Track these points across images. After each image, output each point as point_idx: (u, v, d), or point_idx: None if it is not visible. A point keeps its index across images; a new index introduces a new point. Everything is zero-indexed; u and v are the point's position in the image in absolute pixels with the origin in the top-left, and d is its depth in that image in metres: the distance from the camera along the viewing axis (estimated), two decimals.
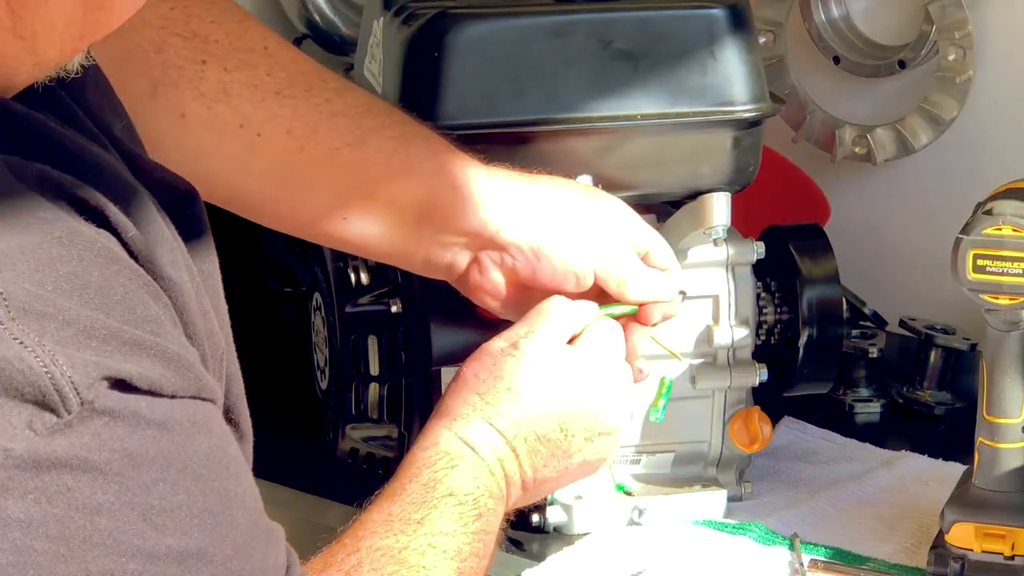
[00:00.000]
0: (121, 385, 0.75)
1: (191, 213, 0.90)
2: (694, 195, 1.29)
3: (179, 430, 0.78)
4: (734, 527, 1.30)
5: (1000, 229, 1.15)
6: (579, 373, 1.12)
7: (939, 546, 1.21)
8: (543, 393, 1.10)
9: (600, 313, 1.16)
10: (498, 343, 1.12)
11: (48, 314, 0.73)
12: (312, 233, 1.21)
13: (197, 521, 0.78)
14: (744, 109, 1.27)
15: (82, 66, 0.83)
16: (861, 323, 1.64)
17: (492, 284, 1.18)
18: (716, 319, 1.31)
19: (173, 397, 0.78)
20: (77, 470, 0.73)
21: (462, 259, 1.18)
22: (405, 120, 1.18)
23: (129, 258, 0.79)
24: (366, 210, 1.17)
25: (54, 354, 0.73)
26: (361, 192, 1.17)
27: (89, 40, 0.81)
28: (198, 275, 0.88)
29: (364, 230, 1.17)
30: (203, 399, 0.80)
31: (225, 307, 0.93)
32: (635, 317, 1.19)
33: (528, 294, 1.18)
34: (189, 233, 0.89)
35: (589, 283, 1.18)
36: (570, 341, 1.14)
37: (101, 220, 0.78)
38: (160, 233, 0.83)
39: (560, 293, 1.17)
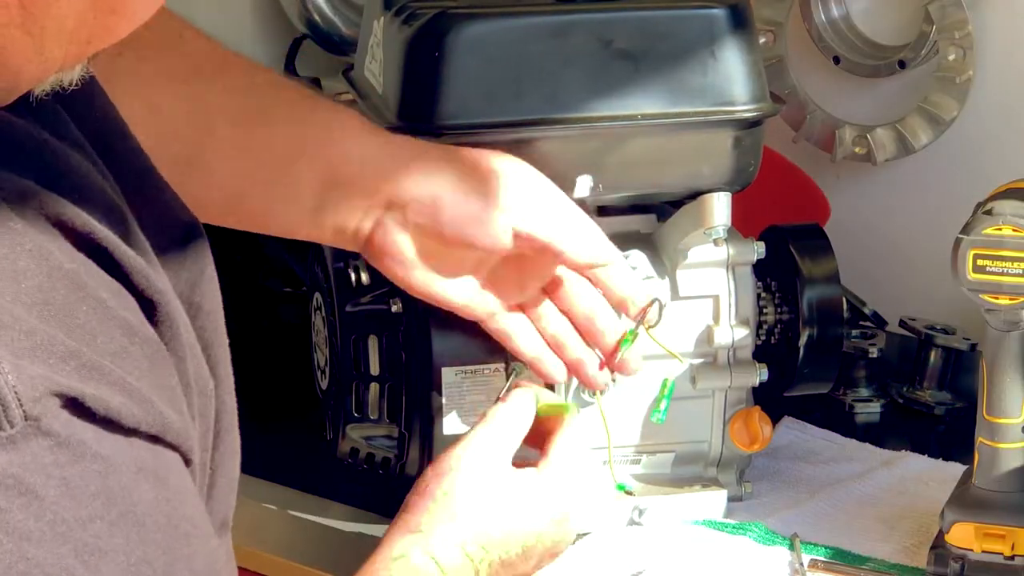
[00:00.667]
0: (73, 406, 0.72)
1: (192, 246, 0.89)
2: (694, 195, 1.29)
3: (126, 472, 0.74)
4: (734, 527, 1.30)
5: (1000, 229, 1.15)
6: (545, 501, 1.09)
7: (939, 546, 1.21)
8: (511, 521, 1.08)
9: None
10: (466, 460, 1.09)
11: (3, 323, 0.70)
12: (221, 218, 1.20)
13: (134, 570, 0.73)
14: (744, 109, 1.27)
15: (82, 79, 0.83)
16: (861, 323, 1.64)
17: (395, 246, 1.16)
18: (716, 319, 1.31)
19: (132, 431, 0.75)
20: (11, 491, 0.69)
21: (366, 224, 1.16)
22: (310, 95, 1.19)
23: (98, 289, 0.76)
24: (273, 185, 1.17)
25: (1, 362, 0.69)
26: (267, 168, 1.17)
27: (96, 46, 0.80)
28: (188, 307, 0.86)
29: (272, 206, 1.18)
30: (166, 444, 0.77)
31: (225, 342, 0.91)
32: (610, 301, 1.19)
33: (442, 258, 1.17)
34: (191, 266, 0.88)
35: (507, 239, 1.15)
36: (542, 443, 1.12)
37: (86, 240, 0.77)
38: (150, 260, 0.82)
39: (477, 250, 1.16)
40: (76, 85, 0.82)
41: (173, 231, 0.87)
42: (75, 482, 0.72)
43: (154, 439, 0.77)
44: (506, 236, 1.16)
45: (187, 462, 0.81)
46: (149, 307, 0.81)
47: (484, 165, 1.18)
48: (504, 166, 1.18)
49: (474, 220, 1.16)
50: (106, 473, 0.73)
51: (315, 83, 2.06)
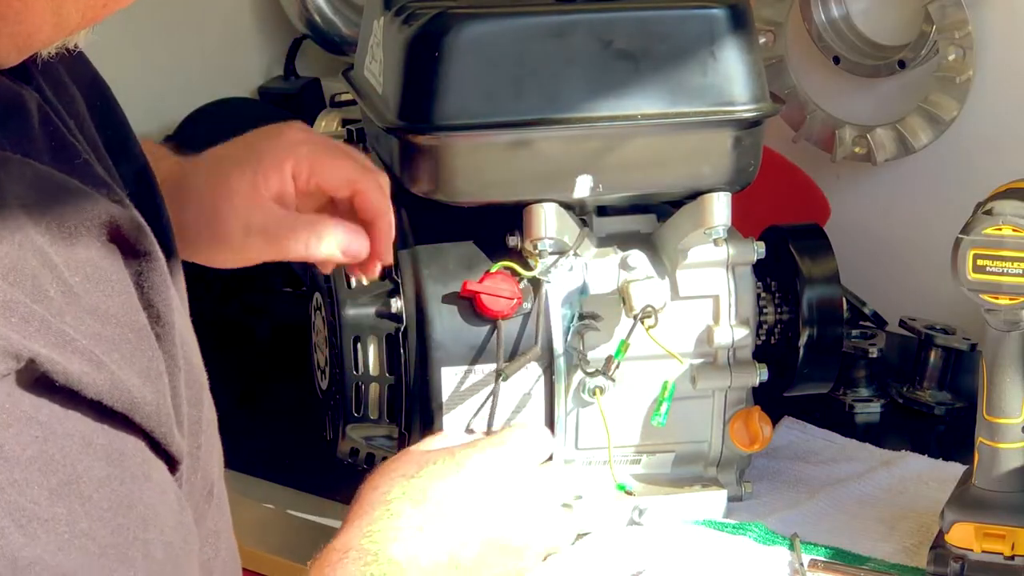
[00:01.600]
0: (28, 370, 0.72)
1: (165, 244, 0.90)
2: (694, 195, 1.29)
3: (70, 442, 0.73)
4: (734, 527, 1.30)
5: (1000, 229, 1.15)
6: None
7: (939, 546, 1.21)
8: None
9: None
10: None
11: None
12: None
13: (78, 543, 0.73)
14: (744, 109, 1.27)
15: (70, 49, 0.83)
16: (861, 323, 1.64)
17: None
18: (716, 319, 1.31)
19: (95, 405, 0.74)
20: None
21: None
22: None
23: (72, 275, 0.76)
24: None
25: None
26: None
27: (110, 9, 0.80)
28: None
29: None
30: (134, 427, 0.77)
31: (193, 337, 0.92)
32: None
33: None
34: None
35: (250, 249, 1.17)
36: None
37: (81, 202, 0.77)
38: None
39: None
40: (79, 49, 0.82)
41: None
42: (8, 445, 0.71)
43: (118, 421, 0.76)
44: (250, 244, 1.17)
45: (164, 452, 0.80)
46: (146, 260, 0.81)
47: (208, 173, 1.19)
48: (226, 162, 1.19)
49: (224, 259, 1.18)
50: (44, 439, 0.72)
51: (315, 83, 2.06)
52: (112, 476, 0.75)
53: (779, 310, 1.37)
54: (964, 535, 1.20)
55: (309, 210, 1.20)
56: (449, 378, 1.27)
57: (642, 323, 1.25)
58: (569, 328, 1.29)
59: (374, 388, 1.31)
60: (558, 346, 1.28)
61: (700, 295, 1.31)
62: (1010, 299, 1.15)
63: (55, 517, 0.72)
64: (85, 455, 0.74)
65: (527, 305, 1.28)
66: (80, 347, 0.74)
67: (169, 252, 0.91)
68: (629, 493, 1.32)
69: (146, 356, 0.79)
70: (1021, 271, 1.14)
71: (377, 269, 1.21)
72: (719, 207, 1.27)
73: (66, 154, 0.82)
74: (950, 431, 1.54)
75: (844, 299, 1.41)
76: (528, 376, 1.28)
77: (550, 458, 1.23)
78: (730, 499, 1.33)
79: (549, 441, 1.17)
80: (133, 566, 0.76)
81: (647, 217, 1.34)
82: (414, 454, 1.13)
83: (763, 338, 1.36)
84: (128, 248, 0.80)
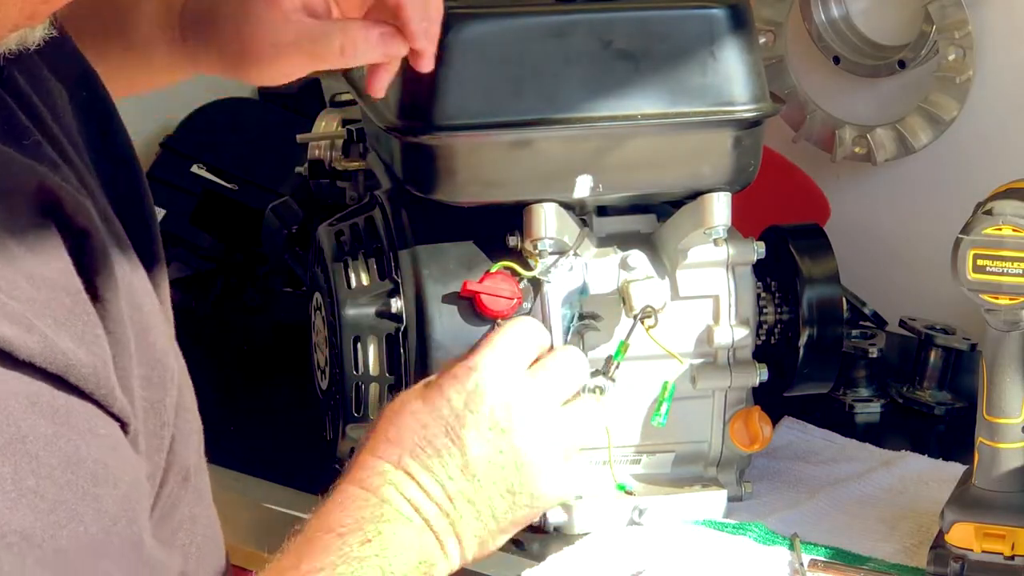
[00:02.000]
0: None
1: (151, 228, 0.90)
2: (694, 195, 1.29)
3: (14, 402, 0.74)
4: (734, 527, 1.30)
5: (1000, 229, 1.15)
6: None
7: (939, 546, 1.21)
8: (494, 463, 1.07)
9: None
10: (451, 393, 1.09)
11: None
12: None
13: (25, 501, 0.73)
14: (744, 109, 1.27)
15: (46, 37, 0.84)
16: (861, 323, 1.64)
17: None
18: (716, 319, 1.31)
19: (27, 366, 0.75)
20: None
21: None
22: None
23: (7, 240, 0.77)
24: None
25: None
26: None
27: (53, 5, 0.81)
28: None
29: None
30: (71, 387, 0.77)
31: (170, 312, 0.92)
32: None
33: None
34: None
35: (285, 65, 1.16)
36: None
37: (16, 177, 0.78)
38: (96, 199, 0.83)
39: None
40: (39, 44, 0.83)
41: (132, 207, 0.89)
42: None
43: (57, 382, 0.76)
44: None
45: (107, 411, 0.80)
46: (81, 237, 0.81)
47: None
48: None
49: (262, 75, 1.17)
50: None
51: (315, 83, 2.06)
52: (59, 434, 0.76)
53: (779, 310, 1.37)
54: (964, 535, 1.20)
55: (357, 14, 1.17)
56: None
57: (642, 323, 1.25)
58: (569, 328, 1.29)
59: (374, 388, 1.31)
60: (558, 346, 1.28)
61: (700, 295, 1.31)
62: (1010, 299, 1.15)
63: (1, 476, 0.73)
64: (30, 414, 0.75)
65: (527, 305, 1.28)
66: (11, 310, 0.75)
67: (150, 240, 0.91)
68: (629, 493, 1.32)
69: (81, 320, 0.80)
70: (1021, 271, 1.14)
71: (429, 58, 1.17)
72: (719, 207, 1.27)
73: (15, 135, 0.83)
74: (950, 431, 1.54)
75: (844, 299, 1.41)
76: None
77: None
78: (730, 499, 1.33)
79: (531, 335, 1.12)
80: (83, 521, 0.76)
81: (647, 217, 1.34)
82: (426, 386, 1.10)
83: (763, 338, 1.36)
84: (64, 223, 0.81)
